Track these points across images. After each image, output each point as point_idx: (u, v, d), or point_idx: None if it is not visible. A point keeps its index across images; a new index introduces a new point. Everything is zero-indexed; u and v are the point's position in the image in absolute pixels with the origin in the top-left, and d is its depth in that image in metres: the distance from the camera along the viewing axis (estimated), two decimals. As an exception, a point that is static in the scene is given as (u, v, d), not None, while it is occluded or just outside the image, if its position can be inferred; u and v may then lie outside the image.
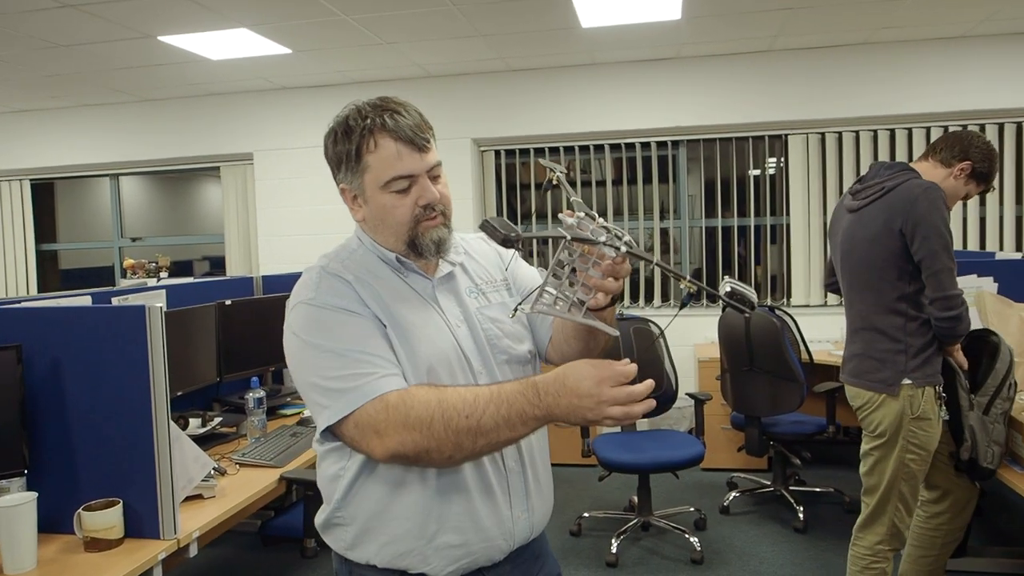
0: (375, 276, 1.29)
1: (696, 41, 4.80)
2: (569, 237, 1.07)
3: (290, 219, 5.82)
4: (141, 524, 1.93)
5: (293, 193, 5.79)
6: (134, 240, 6.49)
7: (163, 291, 3.12)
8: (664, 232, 5.53)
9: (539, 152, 5.57)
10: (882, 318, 2.36)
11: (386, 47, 4.71)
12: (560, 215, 1.11)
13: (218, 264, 6.72)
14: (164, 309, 1.98)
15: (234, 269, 6.12)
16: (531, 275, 1.48)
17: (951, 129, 4.92)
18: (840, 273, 2.57)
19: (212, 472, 2.29)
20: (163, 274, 5.36)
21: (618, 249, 1.07)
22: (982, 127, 4.94)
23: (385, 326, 1.23)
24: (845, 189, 5.10)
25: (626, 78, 5.27)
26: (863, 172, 4.96)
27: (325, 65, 5.12)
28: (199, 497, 2.25)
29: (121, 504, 1.91)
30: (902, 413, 2.31)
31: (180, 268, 6.36)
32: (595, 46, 4.84)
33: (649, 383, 1.08)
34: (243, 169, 6.04)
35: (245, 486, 2.38)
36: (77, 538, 1.90)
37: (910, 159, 5.03)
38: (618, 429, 4.03)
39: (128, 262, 5.53)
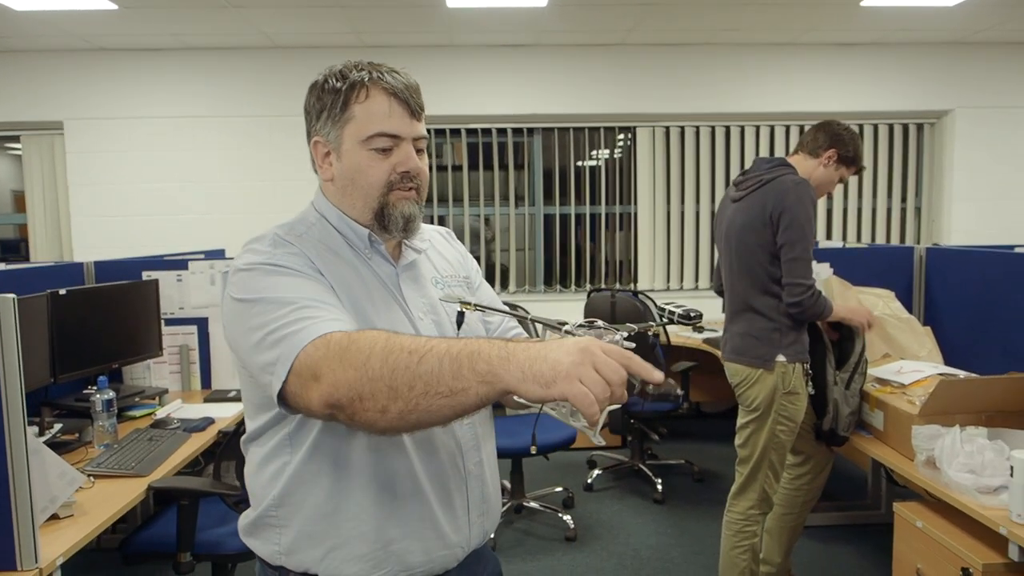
0: (335, 255, 1.17)
1: (556, 29, 4.88)
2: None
3: (111, 198, 5.20)
4: (-6, 555, 1.63)
5: (114, 169, 5.18)
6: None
7: (-22, 279, 2.66)
8: (519, 218, 5.61)
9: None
10: (758, 299, 2.54)
11: (231, 11, 4.33)
12: (571, 327, 1.02)
13: (11, 248, 5.87)
14: (16, 299, 1.68)
15: (40, 254, 5.37)
16: (490, 292, 1.43)
17: (777, 128, 5.48)
18: (722, 259, 2.73)
19: (68, 487, 1.98)
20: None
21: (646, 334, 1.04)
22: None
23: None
24: (687, 180, 5.51)
25: (484, 63, 5.25)
26: (702, 165, 5.46)
27: (156, 26, 4.62)
28: (54, 517, 1.94)
29: (-35, 534, 1.60)
30: (775, 388, 2.50)
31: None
32: (457, 27, 4.77)
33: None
34: (50, 139, 5.30)
35: (108, 500, 2.09)
36: (-91, 580, 1.57)
37: (743, 155, 5.48)
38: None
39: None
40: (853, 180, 5.58)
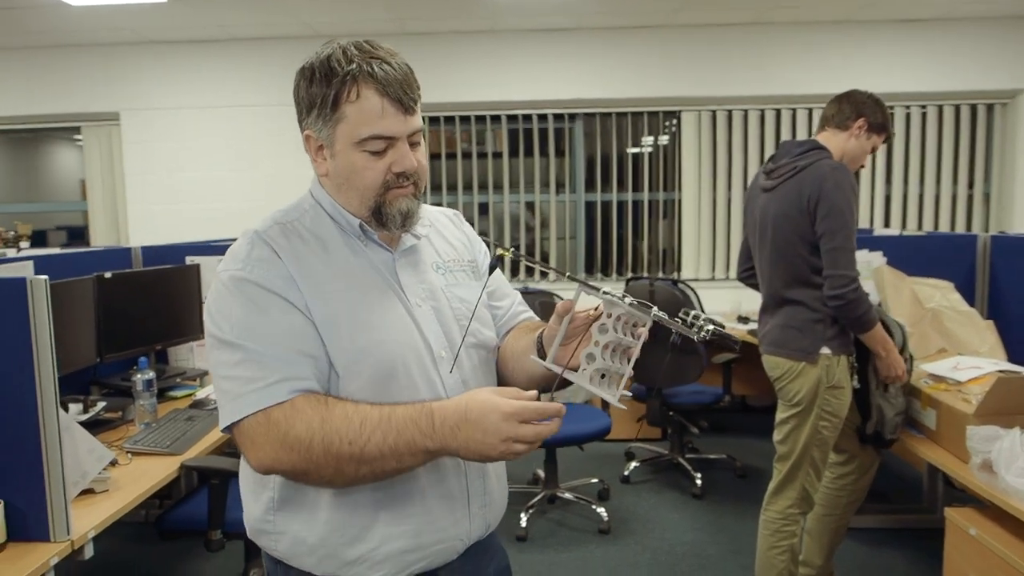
0: (324, 247, 1.14)
1: (598, 12, 4.80)
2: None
3: (164, 187, 5.36)
4: (27, 526, 1.69)
5: (167, 158, 5.33)
6: (-22, 208, 5.78)
7: (30, 263, 2.75)
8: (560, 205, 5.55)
9: (433, 121, 5.39)
10: (798, 291, 2.43)
11: (274, 1, 4.38)
12: (607, 294, 1.10)
13: (77, 235, 6.11)
14: (48, 281, 1.72)
15: (99, 240, 5.58)
16: (501, 278, 1.40)
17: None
18: (756, 250, 2.63)
19: (103, 464, 2.04)
20: (23, 244, 4.79)
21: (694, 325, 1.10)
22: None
23: (311, 316, 1.09)
24: (734, 166, 5.36)
25: (526, 48, 5.20)
26: (750, 150, 5.30)
27: (204, 17, 4.71)
28: (90, 492, 1.99)
29: (2, 504, 1.66)
30: (819, 382, 2.39)
31: (33, 239, 5.72)
32: (497, 12, 4.73)
33: (559, 411, 1.00)
34: (108, 130, 5.48)
35: (142, 477, 2.14)
36: (-52, 547, 1.63)
37: (794, 135, 5.29)
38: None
39: (-18, 231, 4.91)
40: (915, 165, 5.36)
